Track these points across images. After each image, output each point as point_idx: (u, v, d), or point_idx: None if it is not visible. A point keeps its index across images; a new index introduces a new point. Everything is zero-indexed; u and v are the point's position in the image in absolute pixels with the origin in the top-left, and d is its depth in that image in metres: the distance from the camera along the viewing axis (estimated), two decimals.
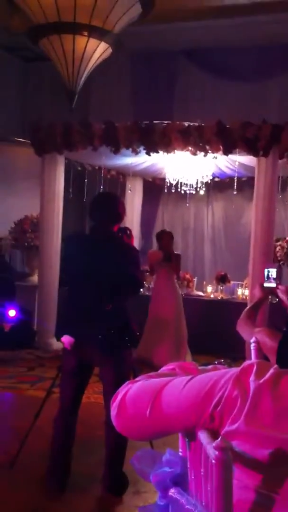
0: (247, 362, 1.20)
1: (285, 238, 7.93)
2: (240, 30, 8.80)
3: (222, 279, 8.11)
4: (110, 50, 7.55)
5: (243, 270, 7.66)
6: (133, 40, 8.85)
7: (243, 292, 7.83)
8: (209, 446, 1.12)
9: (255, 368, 1.16)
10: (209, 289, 8.22)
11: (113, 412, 1.30)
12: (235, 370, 1.19)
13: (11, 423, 4.71)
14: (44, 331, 7.41)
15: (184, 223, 9.91)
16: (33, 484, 3.56)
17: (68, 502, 3.40)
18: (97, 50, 7.36)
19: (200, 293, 8.31)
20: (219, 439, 1.11)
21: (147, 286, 8.05)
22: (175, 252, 7.39)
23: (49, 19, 7.05)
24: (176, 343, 6.96)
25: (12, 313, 7.63)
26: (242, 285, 8.07)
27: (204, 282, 8.61)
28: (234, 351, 5.22)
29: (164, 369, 1.39)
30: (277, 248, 7.58)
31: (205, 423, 1.16)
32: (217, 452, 1.09)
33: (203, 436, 1.18)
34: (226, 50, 9.20)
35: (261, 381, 1.13)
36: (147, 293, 7.67)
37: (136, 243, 9.52)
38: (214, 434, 1.14)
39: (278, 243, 7.64)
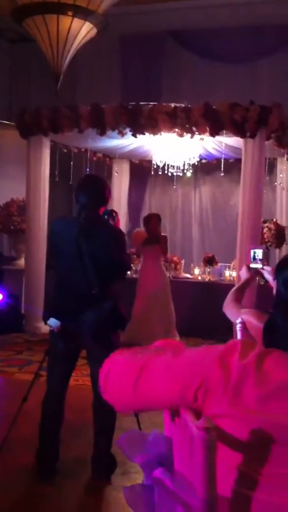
0: (232, 341, 1.20)
1: (272, 220, 7.93)
2: (229, 11, 8.74)
3: (209, 261, 8.12)
4: (95, 31, 7.49)
5: (231, 252, 7.67)
6: (121, 21, 8.76)
7: (230, 274, 7.85)
8: (193, 426, 1.12)
9: (239, 347, 1.16)
10: (197, 271, 8.23)
11: (100, 381, 1.30)
12: (220, 348, 1.18)
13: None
14: (32, 315, 7.40)
15: (171, 206, 9.89)
16: (22, 469, 3.56)
17: (57, 485, 3.41)
18: (82, 31, 7.29)
19: (188, 276, 8.32)
20: (202, 419, 1.10)
21: (134, 268, 8.05)
22: (162, 234, 7.38)
23: None
24: (164, 326, 6.98)
25: None
26: (229, 267, 8.08)
27: (192, 265, 8.62)
28: (222, 333, 5.24)
29: (152, 346, 1.39)
30: (265, 230, 7.59)
31: (188, 402, 1.16)
32: (200, 432, 1.09)
33: (186, 416, 1.18)
34: (215, 31, 9.13)
35: (245, 361, 1.13)
36: (134, 276, 7.67)
37: (123, 225, 9.54)
38: (197, 414, 1.14)
39: (266, 225, 7.64)
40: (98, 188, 3.42)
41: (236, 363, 1.13)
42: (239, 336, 2.58)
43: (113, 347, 3.30)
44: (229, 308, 2.71)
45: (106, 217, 3.52)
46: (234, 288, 2.85)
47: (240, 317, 2.56)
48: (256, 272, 2.92)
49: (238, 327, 2.60)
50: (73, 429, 3.99)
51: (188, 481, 1.20)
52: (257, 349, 1.16)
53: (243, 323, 2.54)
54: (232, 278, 7.62)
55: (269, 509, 1.12)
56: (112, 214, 3.62)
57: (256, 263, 2.91)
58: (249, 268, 2.88)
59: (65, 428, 3.60)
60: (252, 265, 2.90)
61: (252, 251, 2.93)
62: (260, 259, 2.92)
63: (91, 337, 3.28)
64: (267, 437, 1.10)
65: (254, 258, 2.92)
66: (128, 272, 8.13)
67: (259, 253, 2.92)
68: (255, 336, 2.47)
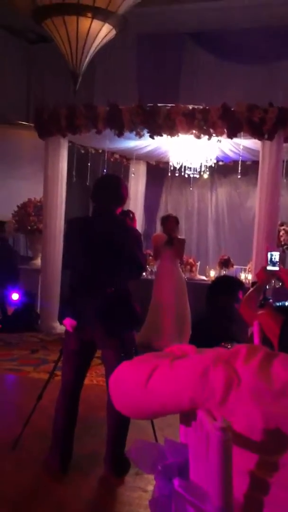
0: (237, 346, 1.20)
1: None
2: (247, 12, 8.70)
3: (225, 263, 8.10)
4: (114, 32, 7.49)
5: (247, 255, 7.64)
6: (139, 22, 8.76)
7: (246, 276, 7.82)
8: (209, 427, 1.12)
9: (244, 351, 1.16)
10: (212, 273, 8.21)
11: (111, 389, 1.31)
12: (226, 353, 1.19)
13: (15, 405, 4.74)
14: (47, 314, 7.44)
15: (188, 207, 9.88)
16: (36, 465, 3.59)
17: (70, 483, 3.43)
18: (101, 32, 7.30)
19: (203, 278, 8.30)
20: (218, 419, 1.11)
21: (150, 270, 8.05)
22: (180, 236, 7.36)
23: (53, 0, 6.98)
24: (178, 328, 6.96)
25: (15, 296, 7.67)
26: (245, 270, 8.05)
27: (207, 267, 8.60)
28: (238, 335, 5.22)
29: (163, 352, 1.40)
30: (281, 233, 7.55)
31: (197, 405, 1.16)
32: (217, 432, 1.09)
33: (203, 417, 1.18)
34: (233, 32, 9.09)
35: (249, 364, 1.13)
36: (150, 277, 7.67)
37: (140, 226, 9.56)
38: (211, 416, 1.14)
39: (282, 228, 7.61)
40: (116, 188, 3.43)
41: (240, 366, 1.13)
42: (255, 338, 2.57)
43: (127, 346, 3.36)
44: (245, 310, 2.71)
45: (123, 217, 3.53)
46: (250, 290, 2.85)
47: (257, 319, 2.55)
48: (273, 274, 2.92)
49: (254, 329, 2.59)
50: (87, 426, 4.00)
51: (204, 490, 1.20)
52: (262, 352, 1.17)
53: (259, 325, 2.54)
54: (247, 281, 7.59)
55: None
56: (129, 214, 3.64)
57: (273, 265, 2.91)
58: (265, 271, 2.88)
59: (79, 425, 3.61)
60: (269, 268, 2.91)
61: (269, 254, 2.93)
62: (277, 262, 2.92)
63: (106, 336, 3.29)
64: (280, 436, 1.11)
65: (271, 261, 2.92)
66: (144, 274, 8.20)
67: (276, 255, 2.93)
68: (271, 338, 2.46)
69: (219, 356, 1.20)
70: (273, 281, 4.60)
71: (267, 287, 3.31)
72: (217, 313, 3.68)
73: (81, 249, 3.36)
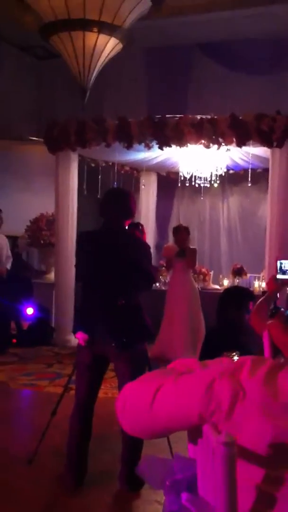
0: (242, 358, 1.20)
1: None
2: (254, 22, 8.72)
3: (238, 272, 8.07)
4: (120, 46, 7.55)
5: (260, 263, 7.61)
6: (147, 35, 8.83)
7: (260, 284, 7.78)
8: (214, 441, 1.12)
9: (249, 364, 1.16)
10: (226, 282, 8.19)
11: (117, 411, 1.31)
12: (230, 365, 1.18)
13: (30, 420, 4.75)
14: (62, 328, 7.45)
15: (200, 216, 9.88)
16: (51, 480, 3.58)
17: (85, 498, 3.41)
18: (107, 46, 7.36)
19: (217, 287, 8.28)
20: (222, 434, 1.10)
21: (163, 281, 8.05)
22: (191, 246, 7.34)
23: (59, 16, 7.07)
24: (192, 339, 6.92)
25: (30, 311, 7.70)
26: (259, 278, 8.01)
27: (221, 276, 8.57)
28: (251, 344, 5.19)
29: (168, 367, 1.39)
30: None
31: (205, 420, 1.16)
32: (221, 447, 1.08)
33: (208, 432, 1.18)
34: (240, 42, 9.12)
35: (255, 377, 1.12)
36: (163, 288, 7.66)
37: (152, 237, 9.57)
38: (216, 430, 1.14)
39: None
40: (124, 201, 3.44)
41: (245, 379, 1.13)
42: (265, 348, 2.56)
43: (140, 358, 3.35)
44: (255, 320, 2.70)
45: (132, 230, 3.55)
46: (260, 300, 2.83)
47: (267, 329, 2.54)
48: (283, 283, 2.90)
49: (264, 339, 2.58)
50: (102, 441, 3.99)
51: (211, 504, 1.20)
52: (268, 364, 1.16)
53: (269, 335, 2.52)
54: (261, 289, 7.55)
55: None
56: (139, 227, 3.66)
57: (283, 274, 2.90)
58: (275, 280, 2.87)
59: (94, 440, 3.60)
60: (279, 276, 2.89)
61: (278, 262, 2.92)
62: (287, 270, 2.91)
63: (118, 349, 3.29)
64: (286, 450, 1.10)
65: (281, 269, 2.91)
66: (157, 284, 8.19)
67: (286, 264, 2.91)
68: (281, 347, 2.44)
69: (224, 370, 1.20)
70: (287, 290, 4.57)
71: (278, 296, 3.29)
72: (227, 324, 3.66)
73: (91, 263, 3.38)
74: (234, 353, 1.62)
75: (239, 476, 1.15)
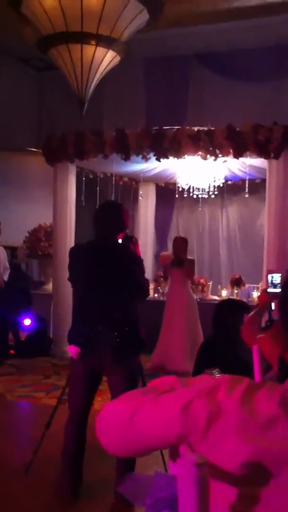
0: (220, 376, 1.20)
1: None
2: (251, 32, 8.78)
3: (236, 283, 8.07)
4: (118, 58, 7.59)
5: (259, 273, 7.61)
6: (145, 46, 8.89)
7: (258, 295, 7.76)
8: (186, 461, 1.12)
9: (226, 382, 1.16)
10: (224, 293, 8.18)
11: (97, 429, 1.31)
12: (208, 384, 1.18)
13: (26, 431, 4.74)
14: (60, 339, 7.44)
15: (199, 227, 9.89)
16: (47, 491, 3.59)
17: (80, 509, 3.42)
18: (105, 58, 7.39)
19: (215, 297, 8.27)
20: (193, 454, 1.10)
21: (161, 291, 8.05)
22: (189, 257, 7.35)
23: (57, 28, 7.11)
24: (191, 349, 6.91)
25: (27, 322, 7.70)
26: (257, 288, 8.01)
27: (219, 286, 8.57)
28: (247, 357, 5.19)
29: (148, 385, 1.39)
30: None
31: (181, 440, 1.16)
32: (192, 468, 1.08)
33: (183, 451, 1.18)
34: (238, 53, 9.18)
35: (232, 396, 1.13)
36: (162, 299, 7.66)
37: (151, 248, 9.59)
38: (192, 450, 1.14)
39: None
40: (116, 214, 3.45)
41: (223, 399, 1.13)
42: (255, 362, 2.56)
43: (133, 371, 3.35)
44: (246, 334, 2.70)
45: (126, 242, 3.55)
46: (251, 313, 2.83)
47: (257, 343, 2.54)
48: (274, 297, 2.90)
49: (254, 352, 2.58)
50: (97, 452, 3.96)
51: None
52: (245, 384, 1.16)
53: (259, 349, 2.53)
54: None
55: None
56: (132, 239, 3.66)
57: (274, 287, 2.90)
58: (266, 293, 2.87)
59: (89, 451, 3.59)
60: (270, 290, 2.90)
61: (269, 276, 2.93)
62: (278, 284, 2.91)
63: (112, 362, 3.29)
64: (261, 469, 1.10)
65: (272, 283, 2.91)
66: (156, 295, 8.19)
67: (276, 277, 2.92)
68: (270, 361, 2.44)
69: (202, 389, 1.20)
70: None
71: (273, 307, 3.29)
72: (222, 337, 3.66)
73: (84, 275, 3.38)
74: (215, 370, 1.62)
75: (214, 495, 1.15)
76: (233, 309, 3.72)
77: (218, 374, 1.68)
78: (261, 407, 1.11)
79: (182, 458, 1.19)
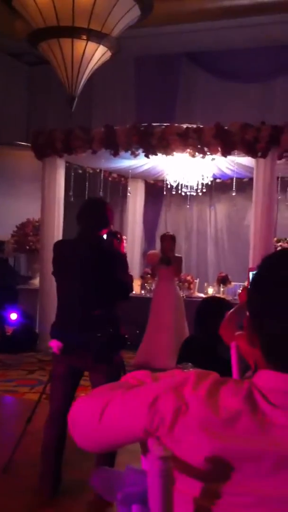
0: (186, 372, 1.21)
1: (286, 239, 7.90)
2: (241, 31, 8.79)
3: (223, 281, 8.09)
4: (109, 54, 7.58)
5: (246, 271, 7.62)
6: (135, 43, 8.87)
7: (239, 293, 7.79)
8: (151, 455, 1.13)
9: (193, 378, 1.17)
10: (210, 290, 8.21)
11: (69, 426, 1.32)
12: (175, 379, 1.19)
13: (7, 427, 4.73)
14: (46, 334, 7.42)
15: (187, 225, 9.91)
16: (26, 490, 3.57)
17: (59, 507, 3.41)
18: (96, 54, 7.38)
19: (202, 295, 8.29)
20: (158, 448, 1.11)
21: (148, 288, 8.06)
22: (177, 254, 7.36)
23: (48, 23, 7.09)
24: (177, 346, 6.92)
25: (14, 316, 7.68)
26: (244, 286, 8.03)
27: (206, 284, 8.60)
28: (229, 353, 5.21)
29: (121, 380, 1.40)
30: (278, 249, 7.54)
31: (149, 434, 1.17)
32: (156, 462, 1.10)
33: (150, 445, 1.19)
34: (228, 52, 9.20)
35: (198, 391, 1.14)
36: (148, 296, 7.67)
37: (139, 244, 9.59)
38: (159, 444, 1.15)
39: (279, 244, 7.61)
40: (99, 210, 3.45)
41: (189, 394, 1.14)
42: (232, 359, 2.57)
43: (115, 369, 3.35)
44: (224, 331, 2.71)
45: (110, 238, 3.55)
46: (231, 311, 2.84)
47: (234, 341, 2.55)
48: None
49: (232, 350, 2.59)
50: (76, 450, 3.96)
51: None
52: (211, 379, 1.17)
53: (236, 346, 2.54)
54: None
55: None
56: (117, 235, 3.65)
57: None
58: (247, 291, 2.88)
59: (69, 449, 3.59)
60: None
61: (251, 274, 2.93)
62: None
63: (93, 360, 3.29)
64: (223, 465, 1.11)
65: None
66: (142, 292, 8.20)
67: None
68: (247, 359, 2.46)
69: (170, 384, 1.21)
70: None
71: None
72: (205, 333, 3.68)
73: (66, 272, 3.38)
74: (188, 365, 1.63)
75: (178, 489, 1.16)
76: (214, 306, 3.74)
77: (191, 368, 1.69)
78: (225, 403, 1.12)
79: (149, 452, 1.20)
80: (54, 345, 3.37)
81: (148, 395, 1.20)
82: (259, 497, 1.13)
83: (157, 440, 1.18)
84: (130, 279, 3.46)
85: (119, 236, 3.67)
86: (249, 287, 1.28)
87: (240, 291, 7.85)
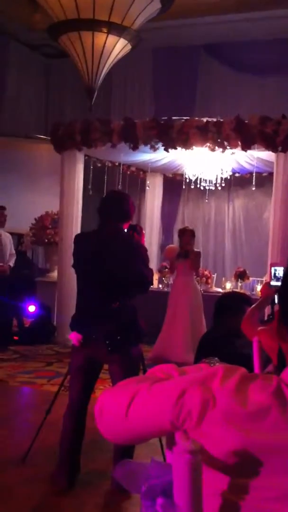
0: (215, 366, 1.20)
1: None
2: (260, 24, 8.72)
3: (240, 276, 8.06)
4: (129, 47, 7.57)
5: (264, 267, 7.60)
6: (154, 36, 8.84)
7: (261, 288, 7.76)
8: (181, 448, 1.13)
9: (221, 372, 1.17)
10: (228, 285, 8.18)
11: (96, 418, 1.32)
12: (203, 374, 1.19)
13: (25, 418, 4.77)
14: (63, 326, 7.47)
15: (205, 219, 9.88)
16: (43, 479, 3.60)
17: (76, 497, 3.43)
18: (116, 47, 7.38)
19: (219, 290, 8.27)
20: (188, 441, 1.11)
21: (166, 282, 8.06)
22: (196, 249, 7.33)
23: (68, 15, 7.10)
24: (193, 342, 6.92)
25: (32, 308, 7.73)
26: (262, 282, 7.99)
27: (223, 279, 8.57)
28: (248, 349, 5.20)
29: (147, 373, 1.41)
30: None
31: (176, 427, 1.17)
32: (186, 455, 1.10)
33: (178, 439, 1.19)
34: (247, 44, 9.12)
35: (226, 385, 1.13)
36: (166, 290, 7.66)
37: (156, 238, 9.59)
38: (187, 438, 1.15)
39: None
40: (121, 204, 3.45)
41: (217, 388, 1.14)
42: (254, 354, 2.57)
43: (133, 361, 3.36)
44: (246, 326, 2.71)
45: (131, 232, 3.54)
46: (252, 306, 2.84)
47: (256, 336, 2.55)
48: (277, 290, 2.90)
49: (254, 345, 2.59)
50: (96, 440, 4.00)
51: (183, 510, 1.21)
52: (239, 374, 1.17)
53: (258, 341, 2.53)
54: None
55: None
56: (137, 228, 3.65)
57: (277, 280, 2.91)
58: (269, 286, 2.87)
59: (87, 439, 3.61)
60: (273, 283, 2.90)
61: (272, 269, 2.93)
62: (281, 277, 2.90)
63: (111, 352, 3.30)
64: (251, 459, 1.11)
65: (275, 276, 2.91)
66: (160, 286, 8.20)
67: (279, 271, 2.92)
68: (270, 354, 2.45)
69: (197, 378, 1.21)
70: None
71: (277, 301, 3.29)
72: (224, 329, 3.67)
73: (85, 264, 3.39)
74: (215, 359, 1.63)
75: (206, 483, 1.16)
76: (235, 301, 3.72)
77: (217, 363, 1.69)
78: (254, 398, 1.12)
79: (177, 445, 1.20)
80: (74, 337, 3.39)
81: (175, 389, 1.20)
82: (285, 491, 1.12)
83: (185, 434, 1.18)
84: (150, 273, 3.45)
85: (139, 228, 3.67)
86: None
87: (260, 286, 7.83)
